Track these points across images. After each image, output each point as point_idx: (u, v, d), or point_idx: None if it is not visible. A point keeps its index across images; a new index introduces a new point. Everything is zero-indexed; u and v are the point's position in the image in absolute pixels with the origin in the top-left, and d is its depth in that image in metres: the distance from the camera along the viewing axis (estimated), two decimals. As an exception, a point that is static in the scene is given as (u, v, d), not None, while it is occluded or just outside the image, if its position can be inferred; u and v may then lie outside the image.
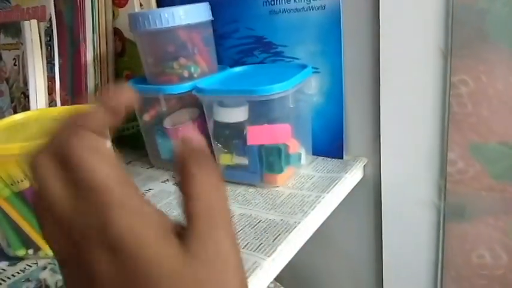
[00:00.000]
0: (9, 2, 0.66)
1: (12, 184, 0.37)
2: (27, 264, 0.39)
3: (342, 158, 0.53)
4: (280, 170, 0.47)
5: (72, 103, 0.60)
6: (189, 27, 0.50)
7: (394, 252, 0.54)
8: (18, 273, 0.38)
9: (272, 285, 0.62)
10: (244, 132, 0.47)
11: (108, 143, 0.44)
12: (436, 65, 0.44)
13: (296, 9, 0.50)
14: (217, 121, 0.48)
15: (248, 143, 0.46)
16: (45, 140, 0.21)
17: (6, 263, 0.40)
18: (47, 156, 0.20)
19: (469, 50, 0.42)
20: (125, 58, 0.62)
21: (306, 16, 0.50)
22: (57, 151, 0.20)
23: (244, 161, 0.48)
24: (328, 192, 0.45)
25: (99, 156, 0.20)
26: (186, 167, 0.21)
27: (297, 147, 0.49)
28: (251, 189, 0.48)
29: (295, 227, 0.40)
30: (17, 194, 0.38)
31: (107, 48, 0.61)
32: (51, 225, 0.20)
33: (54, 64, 0.59)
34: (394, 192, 0.51)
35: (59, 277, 0.37)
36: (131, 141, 0.65)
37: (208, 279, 0.19)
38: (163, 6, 0.51)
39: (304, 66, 0.49)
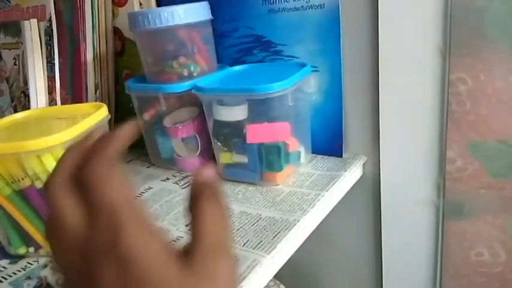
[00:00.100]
0: (9, 2, 0.66)
1: (12, 182, 0.37)
2: (28, 262, 0.40)
3: (341, 156, 0.53)
4: (280, 168, 0.47)
5: (72, 102, 0.60)
6: (188, 26, 0.50)
7: (393, 250, 0.54)
8: (19, 271, 0.38)
9: (272, 283, 0.62)
10: (244, 131, 0.47)
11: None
12: (434, 63, 0.44)
13: (295, 8, 0.50)
14: (217, 120, 0.48)
15: (248, 142, 0.47)
16: (61, 164, 0.23)
17: (7, 261, 0.40)
18: (60, 178, 0.22)
19: (468, 49, 0.42)
20: (124, 57, 0.62)
21: (305, 15, 0.50)
22: (73, 174, 0.22)
23: (244, 159, 0.48)
24: (327, 191, 0.46)
25: (113, 180, 0.22)
26: (198, 201, 0.23)
27: (297, 146, 0.49)
28: (251, 188, 0.48)
29: (294, 224, 0.40)
30: (18, 192, 0.38)
31: (106, 47, 0.61)
32: (64, 243, 0.21)
33: (54, 63, 0.59)
34: (393, 190, 0.51)
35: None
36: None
37: None
38: (163, 6, 0.52)
39: (303, 65, 0.49)
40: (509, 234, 0.45)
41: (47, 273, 0.38)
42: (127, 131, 0.26)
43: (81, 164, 0.22)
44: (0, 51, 0.65)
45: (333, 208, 0.47)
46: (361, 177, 0.53)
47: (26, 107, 0.60)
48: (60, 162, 0.23)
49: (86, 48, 0.59)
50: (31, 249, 0.40)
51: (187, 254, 0.21)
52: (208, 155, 0.54)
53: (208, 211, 0.22)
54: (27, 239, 0.40)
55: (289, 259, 0.39)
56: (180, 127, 0.52)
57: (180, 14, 0.48)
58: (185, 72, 0.51)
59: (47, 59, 0.60)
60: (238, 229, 0.40)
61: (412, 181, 0.49)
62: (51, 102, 0.60)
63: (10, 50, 0.64)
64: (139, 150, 0.62)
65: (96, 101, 0.61)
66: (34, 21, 0.59)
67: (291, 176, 0.50)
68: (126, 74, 0.63)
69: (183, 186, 0.51)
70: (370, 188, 0.54)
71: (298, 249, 0.41)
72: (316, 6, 0.49)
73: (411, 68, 0.45)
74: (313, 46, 0.51)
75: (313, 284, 0.66)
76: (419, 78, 0.45)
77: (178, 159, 0.55)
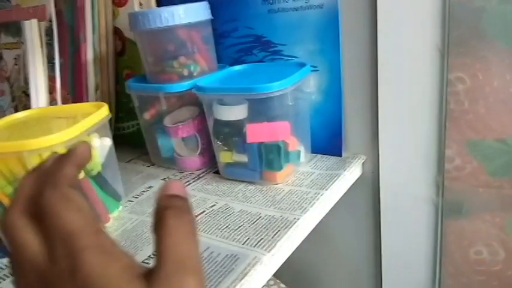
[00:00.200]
0: (10, 2, 0.66)
1: (14, 181, 0.38)
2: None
3: (340, 155, 0.53)
4: (280, 168, 0.47)
5: (73, 102, 0.61)
6: (188, 26, 0.50)
7: (393, 248, 0.54)
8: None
9: (272, 281, 0.62)
10: (244, 130, 0.47)
11: (109, 141, 0.45)
12: (433, 62, 0.44)
13: (294, 8, 0.51)
14: (217, 119, 0.49)
15: (248, 141, 0.47)
16: (19, 192, 0.23)
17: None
18: (17, 211, 0.22)
19: (466, 48, 0.42)
20: (125, 57, 0.63)
21: (304, 15, 0.50)
22: (28, 203, 0.22)
23: (244, 158, 0.49)
24: (327, 189, 0.46)
25: (69, 204, 0.22)
26: (162, 215, 0.22)
27: (296, 145, 0.50)
28: (251, 187, 0.49)
29: (294, 223, 0.40)
30: (19, 191, 0.38)
31: (107, 47, 0.61)
32: (25, 272, 0.21)
33: (54, 63, 0.59)
34: (393, 189, 0.51)
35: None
36: (132, 139, 0.65)
37: None
38: (163, 6, 0.52)
39: (302, 65, 0.50)
40: (508, 233, 0.46)
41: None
42: (82, 151, 0.26)
43: (38, 191, 0.22)
44: (1, 51, 0.66)
45: (332, 207, 0.47)
46: (360, 176, 0.53)
47: (27, 106, 0.60)
48: (18, 190, 0.23)
49: (86, 48, 0.59)
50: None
51: (151, 273, 0.20)
52: (209, 154, 0.54)
53: (174, 226, 0.22)
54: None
55: (288, 258, 0.40)
56: (181, 126, 0.53)
57: (180, 14, 0.49)
58: (185, 72, 0.52)
59: (47, 58, 0.60)
60: (239, 227, 0.41)
61: (411, 180, 0.50)
62: (52, 101, 0.60)
63: (11, 50, 0.64)
64: (140, 149, 0.62)
65: (96, 100, 0.61)
66: (35, 21, 0.59)
67: (291, 175, 0.50)
68: (126, 74, 0.63)
69: (184, 186, 0.51)
70: (370, 187, 0.54)
71: (297, 248, 0.41)
72: (315, 6, 0.49)
73: (410, 67, 0.46)
74: (313, 46, 0.51)
75: (312, 283, 0.66)
76: (418, 78, 0.46)
77: (178, 158, 0.55)
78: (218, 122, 0.49)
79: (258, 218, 0.42)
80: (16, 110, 0.63)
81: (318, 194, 0.45)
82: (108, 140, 0.45)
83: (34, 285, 0.21)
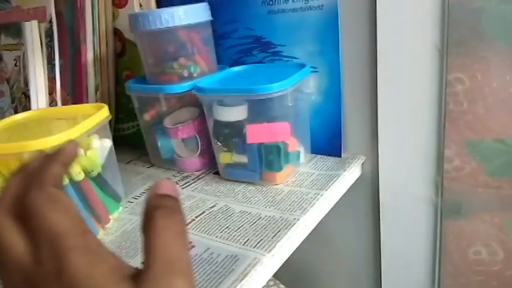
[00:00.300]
0: (10, 3, 0.66)
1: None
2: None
3: (340, 156, 0.53)
4: (280, 168, 0.47)
5: (73, 103, 0.61)
6: (188, 27, 0.50)
7: (392, 248, 0.54)
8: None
9: (272, 282, 0.63)
10: (244, 131, 0.47)
11: (109, 142, 0.45)
12: (432, 63, 0.44)
13: (294, 9, 0.51)
14: (217, 120, 0.49)
15: (248, 142, 0.47)
16: (5, 192, 0.23)
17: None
18: (3, 211, 0.22)
19: (465, 49, 0.42)
20: (125, 58, 0.63)
21: (304, 16, 0.50)
22: (14, 203, 0.22)
23: (243, 159, 0.49)
24: (326, 190, 0.46)
25: (55, 205, 0.21)
26: (152, 215, 0.22)
27: (296, 146, 0.50)
28: (251, 187, 0.49)
29: (294, 223, 0.40)
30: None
31: (107, 48, 0.61)
32: (11, 273, 0.21)
33: (54, 64, 0.59)
34: (392, 189, 0.52)
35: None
36: (132, 140, 0.65)
37: None
38: (163, 7, 0.52)
39: (302, 66, 0.50)
40: (507, 233, 0.46)
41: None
42: (69, 150, 0.26)
43: (24, 191, 0.22)
44: (1, 52, 0.66)
45: (332, 208, 0.48)
46: (359, 176, 0.53)
47: (27, 107, 0.60)
48: (3, 190, 0.23)
49: (86, 49, 0.59)
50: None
51: (139, 274, 0.20)
52: (209, 155, 0.54)
53: (164, 226, 0.21)
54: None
55: (288, 259, 0.40)
56: (181, 127, 0.53)
57: (180, 15, 0.49)
58: (185, 73, 0.52)
59: (47, 60, 0.60)
60: (239, 228, 0.41)
61: (410, 180, 0.50)
62: (52, 103, 0.60)
63: (11, 51, 0.64)
64: (140, 150, 0.62)
65: (96, 101, 0.61)
66: (35, 22, 0.59)
67: (291, 175, 0.50)
68: (126, 75, 0.63)
69: (184, 187, 0.51)
70: (369, 187, 0.54)
71: (297, 248, 0.41)
72: (315, 8, 0.49)
73: (409, 67, 0.46)
74: (312, 47, 0.51)
75: (312, 283, 0.66)
76: (417, 78, 0.46)
77: (178, 159, 0.55)
78: (218, 123, 0.49)
79: (258, 218, 0.42)
80: (16, 111, 0.63)
81: (318, 194, 0.45)
82: (108, 141, 0.45)
83: (20, 287, 0.21)
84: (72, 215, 0.21)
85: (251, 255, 0.36)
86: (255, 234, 0.40)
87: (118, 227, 0.44)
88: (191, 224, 0.42)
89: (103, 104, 0.45)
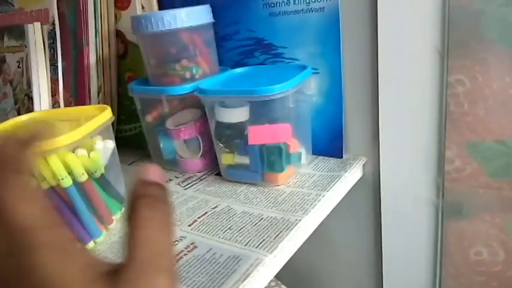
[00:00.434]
0: (13, 5, 0.67)
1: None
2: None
3: (341, 157, 0.54)
4: (281, 169, 0.48)
5: (75, 104, 0.61)
6: (190, 29, 0.50)
7: (393, 249, 0.54)
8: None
9: (273, 283, 0.63)
10: (246, 132, 0.47)
11: (112, 144, 0.45)
12: (433, 65, 0.45)
13: (295, 11, 0.51)
14: (219, 121, 0.49)
15: (249, 143, 0.47)
16: None
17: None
18: None
19: (465, 50, 0.42)
20: (127, 60, 0.63)
21: (305, 18, 0.51)
22: None
23: (245, 160, 0.49)
24: (328, 191, 0.46)
25: (21, 196, 0.19)
26: (136, 205, 0.20)
27: (298, 147, 0.50)
28: (253, 188, 0.49)
29: (296, 224, 0.41)
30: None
31: (109, 50, 0.61)
32: None
33: (57, 66, 0.60)
34: (393, 191, 0.52)
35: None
36: (134, 141, 0.66)
37: None
38: (165, 9, 0.52)
39: (303, 67, 0.50)
40: (508, 233, 0.46)
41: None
42: (38, 133, 0.22)
43: None
44: (4, 54, 0.66)
45: (333, 209, 0.48)
46: (361, 177, 0.54)
47: (30, 109, 0.60)
48: None
49: (89, 51, 0.59)
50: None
51: (117, 272, 0.18)
52: (210, 156, 0.55)
53: (148, 217, 0.19)
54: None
55: (290, 260, 0.40)
56: (183, 129, 0.53)
57: (183, 18, 0.49)
58: (187, 75, 0.52)
59: (50, 62, 0.60)
60: (241, 229, 0.41)
61: (411, 181, 0.50)
62: (55, 104, 0.60)
63: (14, 53, 0.64)
64: (142, 151, 0.62)
65: (98, 103, 0.61)
66: (37, 24, 0.60)
67: (292, 176, 0.50)
68: (128, 77, 0.64)
69: (186, 187, 0.51)
70: (370, 188, 0.55)
71: (299, 249, 0.41)
72: (316, 10, 0.50)
73: (410, 69, 0.46)
74: (314, 49, 0.51)
75: (313, 284, 0.67)
76: (418, 80, 0.46)
77: (180, 160, 0.56)
78: (220, 124, 0.49)
79: (260, 219, 0.42)
80: (19, 113, 0.63)
81: (319, 195, 0.45)
82: (111, 143, 0.45)
83: None
84: (41, 205, 0.19)
85: (253, 255, 0.37)
86: (257, 234, 0.40)
87: (121, 228, 0.44)
88: (194, 224, 0.43)
89: (106, 105, 0.46)
